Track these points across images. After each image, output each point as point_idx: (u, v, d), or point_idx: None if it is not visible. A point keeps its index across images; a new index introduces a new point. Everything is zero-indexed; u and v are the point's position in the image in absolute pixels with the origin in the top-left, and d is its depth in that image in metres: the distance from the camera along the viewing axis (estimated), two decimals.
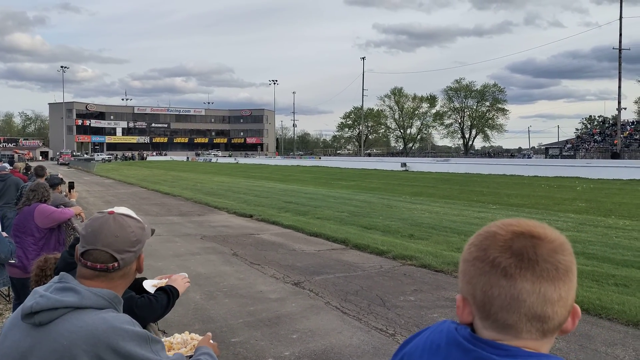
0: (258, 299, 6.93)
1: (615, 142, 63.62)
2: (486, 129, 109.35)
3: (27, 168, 12.63)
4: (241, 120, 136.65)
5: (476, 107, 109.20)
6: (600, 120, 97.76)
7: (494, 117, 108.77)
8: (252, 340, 5.39)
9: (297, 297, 7.01)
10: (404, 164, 50.04)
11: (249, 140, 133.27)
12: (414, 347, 1.06)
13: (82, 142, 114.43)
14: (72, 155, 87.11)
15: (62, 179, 7.46)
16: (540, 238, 0.92)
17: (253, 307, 6.55)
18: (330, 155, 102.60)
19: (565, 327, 0.93)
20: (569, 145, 75.45)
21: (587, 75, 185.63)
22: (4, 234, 4.00)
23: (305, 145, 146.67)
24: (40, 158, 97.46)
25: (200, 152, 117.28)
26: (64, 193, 7.23)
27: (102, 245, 1.43)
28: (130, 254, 1.48)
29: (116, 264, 1.44)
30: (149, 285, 2.42)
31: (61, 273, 1.42)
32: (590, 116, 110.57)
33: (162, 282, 2.58)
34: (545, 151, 79.42)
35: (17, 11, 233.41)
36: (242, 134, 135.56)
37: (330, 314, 6.26)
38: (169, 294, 2.40)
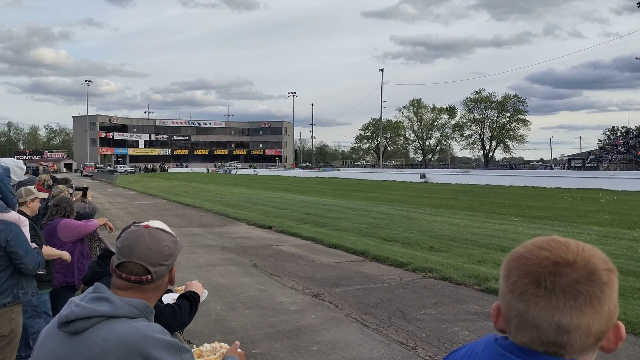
0: (278, 310, 6.96)
1: (639, 153, 62.44)
2: (507, 140, 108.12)
3: (54, 180, 12.88)
4: (260, 132, 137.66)
5: (496, 118, 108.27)
6: (623, 131, 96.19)
7: (515, 128, 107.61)
8: (273, 351, 5.42)
9: (317, 308, 7.02)
10: (423, 176, 49.81)
11: (268, 152, 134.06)
12: (456, 356, 1.10)
13: (105, 155, 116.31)
14: (96, 167, 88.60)
15: (71, 184, 7.64)
16: (566, 265, 0.91)
17: (273, 318, 6.59)
18: (348, 167, 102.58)
19: (607, 347, 0.94)
20: (591, 157, 74.27)
21: (609, 86, 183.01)
22: (34, 245, 4.11)
23: (323, 156, 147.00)
24: (65, 170, 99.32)
25: (220, 163, 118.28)
26: (74, 198, 7.28)
27: (136, 258, 1.49)
28: (163, 267, 1.53)
29: (150, 277, 1.49)
30: (169, 300, 2.47)
31: (96, 283, 1.48)
32: (613, 127, 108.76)
33: (180, 288, 2.63)
34: (568, 162, 78.31)
35: (42, 27, 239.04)
36: (261, 145, 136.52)
37: (351, 327, 6.26)
38: (190, 300, 2.46)
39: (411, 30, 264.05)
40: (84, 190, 7.79)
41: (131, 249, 1.50)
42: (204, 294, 2.58)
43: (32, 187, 5.02)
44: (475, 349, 1.05)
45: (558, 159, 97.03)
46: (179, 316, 2.33)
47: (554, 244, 0.95)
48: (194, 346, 2.27)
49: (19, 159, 4.48)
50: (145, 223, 1.58)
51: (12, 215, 3.96)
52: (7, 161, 4.22)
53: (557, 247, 0.94)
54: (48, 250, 4.62)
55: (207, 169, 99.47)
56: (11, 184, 4.10)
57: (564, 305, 0.89)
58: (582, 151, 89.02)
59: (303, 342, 5.69)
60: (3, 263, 3.85)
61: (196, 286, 2.59)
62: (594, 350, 0.94)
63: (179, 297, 2.46)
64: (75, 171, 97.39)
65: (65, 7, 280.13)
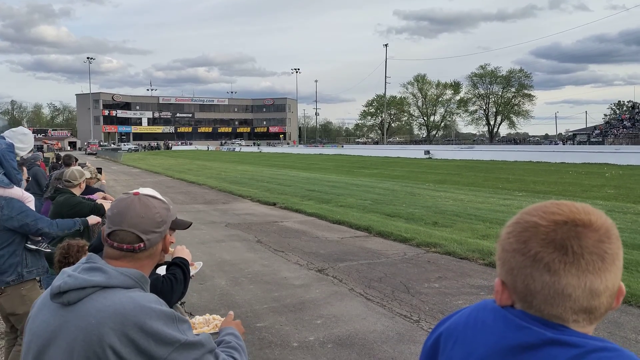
0: (282, 285, 6.98)
1: None
2: (512, 115, 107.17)
3: (58, 157, 12.92)
4: (264, 110, 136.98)
5: (501, 93, 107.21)
6: (629, 105, 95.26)
7: (520, 103, 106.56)
8: (277, 325, 5.44)
9: (321, 283, 7.03)
10: (427, 152, 49.73)
11: (272, 129, 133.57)
12: (454, 324, 1.04)
13: (109, 132, 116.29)
14: (100, 145, 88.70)
15: (76, 158, 7.78)
16: (585, 226, 0.88)
17: (277, 293, 6.61)
18: (351, 144, 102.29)
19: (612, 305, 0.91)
20: (597, 132, 73.73)
21: (615, 60, 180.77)
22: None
23: (327, 133, 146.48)
24: (69, 148, 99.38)
25: (224, 141, 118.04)
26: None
27: (127, 226, 1.44)
28: (155, 234, 1.48)
29: (142, 245, 1.45)
30: (162, 271, 2.42)
31: (89, 254, 1.44)
32: (619, 101, 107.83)
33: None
34: (573, 137, 77.75)
35: (43, 4, 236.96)
36: (265, 123, 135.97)
37: (354, 300, 6.27)
38: (182, 267, 2.38)
39: (415, 4, 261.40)
40: (99, 169, 7.95)
41: (122, 216, 1.45)
42: (198, 265, 2.48)
43: (81, 169, 5.11)
44: (479, 317, 0.98)
45: (563, 134, 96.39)
46: (176, 288, 2.28)
47: (562, 207, 0.92)
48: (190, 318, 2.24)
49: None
50: (135, 190, 1.53)
51: (16, 191, 3.92)
52: (8, 134, 4.14)
53: (567, 209, 0.91)
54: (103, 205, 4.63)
55: (208, 147, 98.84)
56: (23, 153, 4.04)
57: (594, 267, 0.86)
58: (588, 126, 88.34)
59: (307, 316, 5.71)
60: (4, 240, 3.79)
61: (182, 251, 2.49)
62: (602, 317, 0.91)
63: (169, 266, 2.37)
64: (79, 149, 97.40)
65: None
